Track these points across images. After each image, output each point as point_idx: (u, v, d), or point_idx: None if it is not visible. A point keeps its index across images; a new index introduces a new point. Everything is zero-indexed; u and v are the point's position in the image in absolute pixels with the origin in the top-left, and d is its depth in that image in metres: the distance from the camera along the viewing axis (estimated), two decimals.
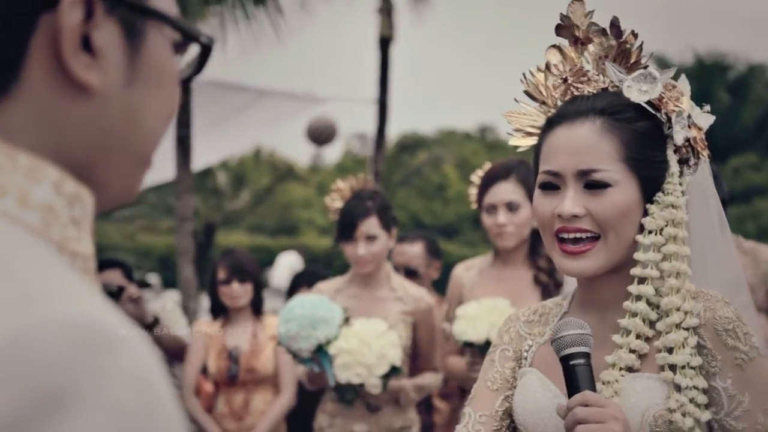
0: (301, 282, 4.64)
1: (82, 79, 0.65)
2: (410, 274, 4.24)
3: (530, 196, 3.16)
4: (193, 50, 0.76)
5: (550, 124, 1.56)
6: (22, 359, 0.51)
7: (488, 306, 3.15)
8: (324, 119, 10.03)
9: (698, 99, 1.59)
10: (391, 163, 21.08)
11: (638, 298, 1.50)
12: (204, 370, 4.10)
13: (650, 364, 1.49)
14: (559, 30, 1.58)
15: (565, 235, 1.51)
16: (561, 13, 1.57)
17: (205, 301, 5.11)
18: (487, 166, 3.45)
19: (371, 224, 3.29)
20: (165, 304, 4.40)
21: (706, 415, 1.45)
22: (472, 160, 24.45)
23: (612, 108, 1.51)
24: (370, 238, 3.29)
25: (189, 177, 7.73)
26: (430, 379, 3.41)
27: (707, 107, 1.59)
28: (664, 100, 1.51)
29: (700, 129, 1.55)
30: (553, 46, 1.59)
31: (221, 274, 4.09)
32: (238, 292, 4.07)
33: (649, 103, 1.51)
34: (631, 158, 1.49)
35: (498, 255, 3.36)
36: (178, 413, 0.58)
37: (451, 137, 32.57)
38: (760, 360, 1.47)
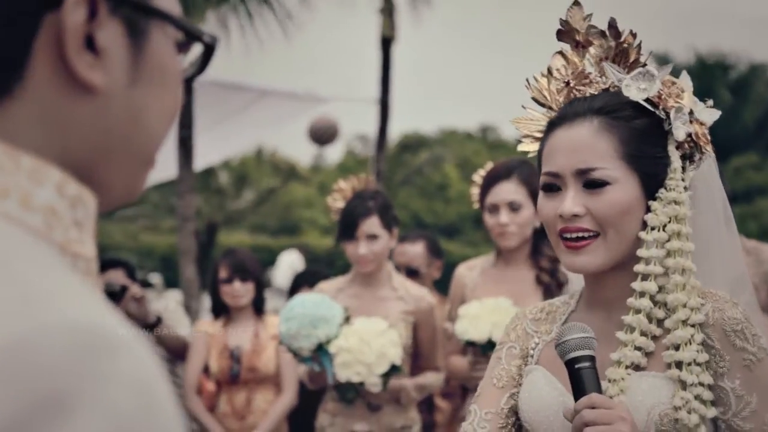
0: (302, 282, 4.64)
1: (85, 79, 0.65)
2: (411, 273, 4.24)
3: (532, 196, 3.19)
4: (196, 50, 0.76)
5: (551, 127, 1.58)
6: (23, 362, 0.51)
7: (490, 305, 3.15)
8: (326, 119, 10.02)
9: (699, 99, 1.59)
10: (393, 162, 21.08)
11: (641, 294, 1.51)
12: (206, 370, 4.10)
13: (657, 362, 1.50)
14: (560, 35, 1.60)
15: (568, 235, 1.52)
16: (560, 19, 1.58)
17: (206, 301, 5.12)
18: (489, 165, 3.46)
19: (372, 223, 3.29)
20: (167, 303, 4.40)
21: (711, 412, 1.45)
22: (474, 159, 24.45)
23: (609, 107, 1.52)
24: (372, 238, 3.29)
25: (191, 177, 7.74)
26: (431, 379, 3.41)
27: (710, 102, 1.59)
28: (663, 97, 1.52)
29: (702, 124, 1.55)
30: (558, 52, 1.61)
31: (223, 273, 4.09)
32: (240, 291, 4.07)
33: (648, 100, 1.52)
34: (631, 155, 1.50)
35: (500, 255, 3.36)
36: (178, 416, 0.58)
37: (452, 137, 32.57)
38: None
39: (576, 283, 1.75)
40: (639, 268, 1.51)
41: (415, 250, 4.44)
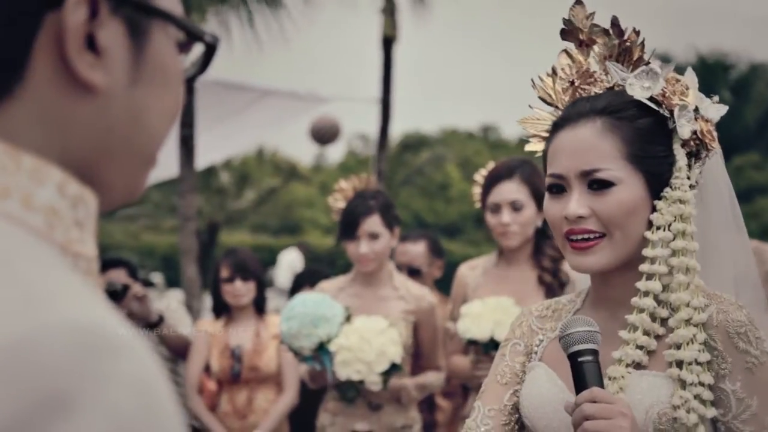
0: (303, 281, 4.65)
1: (86, 79, 0.65)
2: (413, 273, 4.25)
3: (534, 195, 3.19)
4: (198, 49, 0.76)
5: (555, 128, 1.58)
6: (24, 362, 0.51)
7: (492, 304, 3.15)
8: (327, 119, 10.02)
9: None
10: (394, 162, 21.07)
11: (645, 294, 1.51)
12: (207, 369, 4.10)
13: (659, 361, 1.50)
14: (564, 34, 1.59)
15: (574, 237, 1.52)
16: (563, 18, 1.58)
17: (208, 301, 5.12)
18: (491, 165, 3.45)
19: (374, 222, 3.29)
20: (169, 303, 4.41)
21: (711, 412, 1.45)
22: (475, 159, 24.47)
23: (612, 107, 1.52)
24: (373, 237, 3.29)
25: (192, 176, 7.73)
26: (432, 378, 3.41)
27: (716, 97, 1.59)
28: (667, 95, 1.52)
29: (707, 121, 1.55)
30: (563, 51, 1.61)
31: (224, 273, 4.10)
32: (241, 291, 4.07)
33: (652, 99, 1.52)
34: (635, 155, 1.50)
35: (502, 255, 3.35)
36: (178, 416, 0.58)
37: (453, 136, 32.58)
38: None
39: (582, 282, 1.75)
40: (644, 267, 1.51)
41: (417, 250, 4.44)
